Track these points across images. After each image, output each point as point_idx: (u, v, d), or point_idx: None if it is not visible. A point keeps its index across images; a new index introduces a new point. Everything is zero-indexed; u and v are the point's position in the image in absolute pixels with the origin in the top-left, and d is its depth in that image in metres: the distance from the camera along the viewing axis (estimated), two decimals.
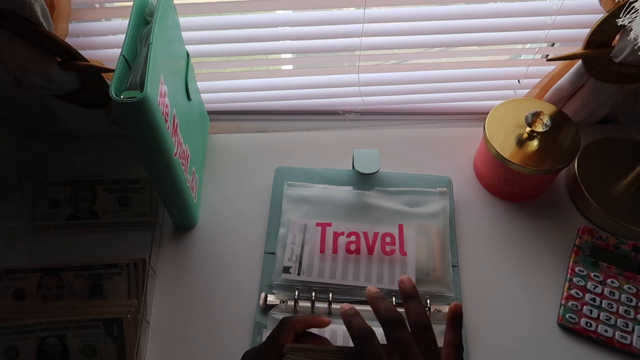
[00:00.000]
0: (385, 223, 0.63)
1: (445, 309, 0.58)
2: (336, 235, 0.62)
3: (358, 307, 0.58)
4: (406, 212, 0.64)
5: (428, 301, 0.57)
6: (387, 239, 0.61)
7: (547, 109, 0.66)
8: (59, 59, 0.57)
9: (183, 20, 0.61)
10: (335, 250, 0.61)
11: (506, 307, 0.60)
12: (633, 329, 0.57)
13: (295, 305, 0.57)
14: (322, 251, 0.60)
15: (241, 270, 0.62)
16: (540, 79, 0.73)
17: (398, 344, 0.39)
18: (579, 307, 0.59)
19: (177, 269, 0.63)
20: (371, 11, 0.64)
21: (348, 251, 0.60)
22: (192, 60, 0.64)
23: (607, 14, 0.57)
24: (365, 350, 0.39)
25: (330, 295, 0.58)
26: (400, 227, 0.62)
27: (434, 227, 0.63)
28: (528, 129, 0.63)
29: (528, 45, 0.76)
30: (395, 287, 0.58)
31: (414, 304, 0.43)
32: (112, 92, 0.45)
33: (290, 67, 0.82)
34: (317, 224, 0.63)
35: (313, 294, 0.58)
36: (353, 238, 0.61)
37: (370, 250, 0.60)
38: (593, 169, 0.68)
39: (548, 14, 0.65)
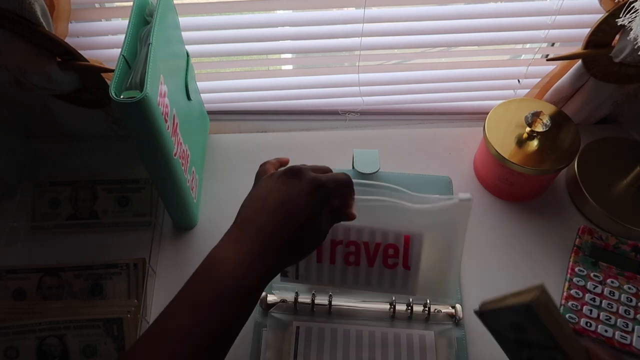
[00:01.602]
0: (390, 232, 0.55)
1: (446, 308, 0.58)
2: (334, 243, 0.55)
3: (359, 306, 0.58)
4: (417, 223, 0.55)
5: (428, 300, 0.57)
6: (390, 251, 0.55)
7: (547, 109, 0.66)
8: (59, 59, 0.57)
9: (183, 20, 0.61)
10: (333, 261, 0.56)
11: None
12: (633, 329, 0.57)
13: (295, 304, 0.57)
14: (319, 260, 0.56)
15: None
16: (540, 79, 0.73)
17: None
18: (579, 307, 0.59)
19: (177, 269, 0.63)
20: (371, 11, 0.64)
21: (347, 262, 0.56)
22: (192, 60, 0.64)
23: (607, 14, 0.57)
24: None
25: (330, 296, 0.58)
26: (407, 239, 0.55)
27: (446, 239, 0.55)
28: (528, 129, 0.63)
29: (528, 45, 0.76)
30: (395, 292, 0.57)
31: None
32: (112, 92, 0.45)
33: (290, 67, 0.82)
34: None
35: (313, 293, 0.58)
36: (352, 248, 0.55)
37: (371, 262, 0.56)
38: (593, 169, 0.68)
39: (548, 14, 0.65)
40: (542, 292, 0.38)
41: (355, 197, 0.49)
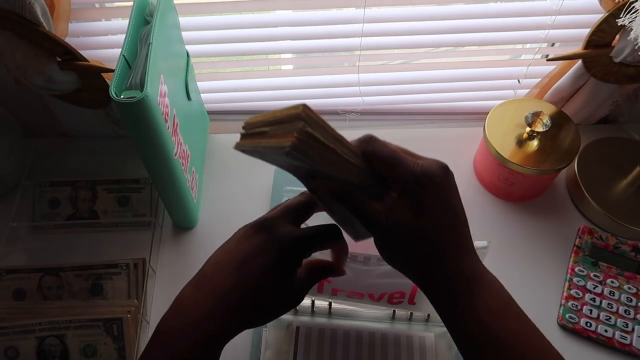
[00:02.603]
0: (397, 283, 0.50)
1: None
2: (335, 290, 0.52)
3: (358, 306, 0.58)
4: None
5: None
6: (397, 295, 0.52)
7: (547, 109, 0.66)
8: (59, 59, 0.57)
9: (183, 20, 0.61)
10: (334, 293, 0.53)
11: None
12: (633, 329, 0.57)
13: None
14: (319, 291, 0.53)
15: None
16: (540, 79, 0.73)
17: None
18: (579, 307, 0.59)
19: (177, 269, 0.63)
20: (371, 11, 0.63)
21: (349, 296, 0.53)
22: (192, 60, 0.64)
23: (607, 14, 0.57)
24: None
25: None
26: (415, 287, 0.51)
27: None
28: (528, 129, 0.63)
29: (528, 45, 0.76)
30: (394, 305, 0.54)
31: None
32: (112, 92, 0.45)
33: (290, 67, 0.82)
34: None
35: (312, 300, 0.58)
36: (356, 296, 0.52)
37: (376, 301, 0.53)
38: (593, 169, 0.68)
39: (548, 14, 0.65)
40: (301, 130, 0.29)
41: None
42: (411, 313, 0.57)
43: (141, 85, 0.45)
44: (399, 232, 0.34)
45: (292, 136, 0.29)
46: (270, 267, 0.37)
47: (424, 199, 0.34)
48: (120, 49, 0.48)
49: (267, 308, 0.38)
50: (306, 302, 0.58)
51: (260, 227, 0.39)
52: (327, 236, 0.39)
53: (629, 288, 0.60)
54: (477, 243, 0.44)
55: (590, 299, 0.59)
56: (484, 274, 0.36)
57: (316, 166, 0.32)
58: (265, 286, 0.37)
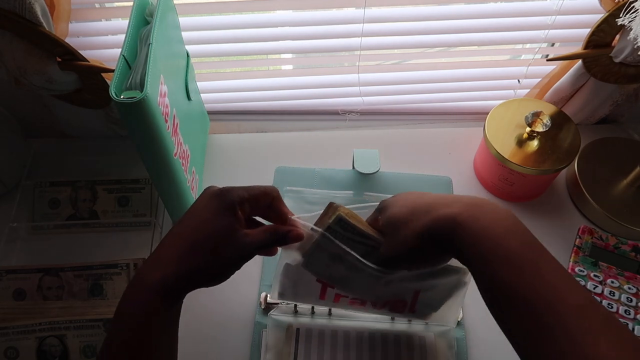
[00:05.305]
0: (400, 291, 0.51)
1: None
2: (338, 296, 0.51)
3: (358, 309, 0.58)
4: (429, 281, 0.50)
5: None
6: (399, 303, 0.52)
7: (547, 109, 0.66)
8: (59, 59, 0.57)
9: (183, 20, 0.61)
10: (337, 300, 0.52)
11: None
12: (633, 329, 0.57)
13: (295, 305, 0.57)
14: (322, 297, 0.52)
15: (241, 270, 0.62)
16: (540, 79, 0.73)
17: None
18: None
19: None
20: (371, 11, 0.64)
21: (351, 303, 0.52)
22: (192, 60, 0.64)
23: (607, 14, 0.57)
24: None
25: None
26: (417, 293, 0.51)
27: (456, 284, 0.51)
28: (528, 129, 0.63)
29: (528, 45, 0.76)
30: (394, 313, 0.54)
31: None
32: (112, 92, 0.44)
33: (290, 67, 0.82)
34: (318, 280, 0.49)
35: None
36: (358, 301, 0.52)
37: (378, 308, 0.53)
38: (593, 169, 0.68)
39: (548, 14, 0.65)
40: (339, 205, 0.45)
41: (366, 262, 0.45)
42: None
43: (141, 86, 0.45)
44: (392, 236, 0.44)
45: (334, 211, 0.44)
46: (207, 212, 0.42)
47: (383, 211, 0.46)
48: (120, 49, 0.47)
49: (208, 255, 0.41)
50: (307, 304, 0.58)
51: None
52: (260, 192, 0.44)
53: (629, 288, 0.60)
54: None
55: None
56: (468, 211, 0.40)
57: (356, 235, 0.45)
58: (204, 229, 0.41)
